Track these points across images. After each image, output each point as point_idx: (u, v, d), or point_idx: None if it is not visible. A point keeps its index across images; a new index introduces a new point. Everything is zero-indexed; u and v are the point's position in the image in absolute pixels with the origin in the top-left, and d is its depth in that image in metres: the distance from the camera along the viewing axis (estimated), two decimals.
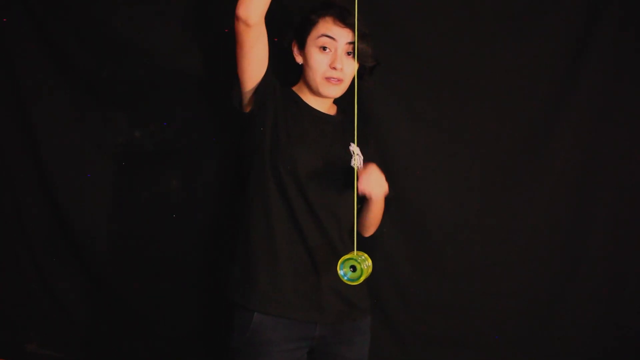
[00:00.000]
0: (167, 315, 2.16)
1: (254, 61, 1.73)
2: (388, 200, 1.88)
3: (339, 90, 1.84)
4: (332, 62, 1.79)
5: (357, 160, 1.86)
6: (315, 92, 1.85)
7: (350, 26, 1.77)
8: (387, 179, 2.15)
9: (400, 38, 2.16)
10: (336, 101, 1.94)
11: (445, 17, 2.16)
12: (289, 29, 1.92)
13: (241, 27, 1.67)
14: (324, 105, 1.89)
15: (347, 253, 1.61)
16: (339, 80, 1.81)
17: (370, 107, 2.15)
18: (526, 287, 2.22)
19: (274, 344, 1.72)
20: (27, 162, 2.16)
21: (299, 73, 1.89)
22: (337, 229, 1.81)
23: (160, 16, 2.11)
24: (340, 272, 1.59)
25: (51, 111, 2.14)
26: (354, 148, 1.87)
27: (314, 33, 1.81)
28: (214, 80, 2.09)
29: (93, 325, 2.19)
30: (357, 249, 1.62)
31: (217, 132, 2.13)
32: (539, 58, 2.18)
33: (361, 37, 1.77)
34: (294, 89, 1.89)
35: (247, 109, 1.80)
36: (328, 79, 1.80)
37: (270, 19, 1.72)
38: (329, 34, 1.79)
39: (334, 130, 1.87)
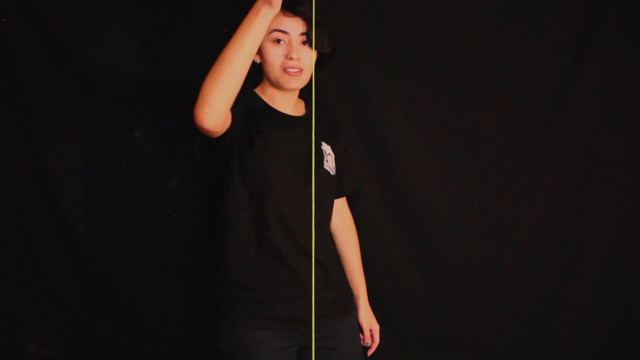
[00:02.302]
0: (167, 315, 2.16)
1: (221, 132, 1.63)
2: (353, 198, 1.87)
3: (299, 82, 1.76)
4: (287, 54, 1.73)
5: (329, 161, 1.83)
6: (277, 87, 1.78)
7: (301, 14, 1.72)
8: (388, 179, 2.17)
9: (400, 38, 2.16)
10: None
11: (445, 17, 2.16)
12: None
13: (204, 131, 1.56)
14: (290, 103, 1.82)
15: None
16: (299, 71, 1.74)
17: (370, 107, 2.15)
18: (526, 287, 2.22)
19: (263, 343, 1.70)
20: (27, 162, 2.16)
21: (260, 72, 1.80)
22: (311, 235, 1.71)
23: (160, 16, 2.11)
24: None
25: (51, 111, 2.14)
26: (325, 147, 1.83)
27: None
28: None
29: (93, 325, 2.19)
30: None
31: None
32: (539, 58, 2.18)
33: (313, 24, 1.68)
34: (257, 90, 1.81)
35: (210, 155, 1.70)
36: (286, 70, 1.74)
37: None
38: (280, 28, 1.72)
39: (303, 131, 1.79)
